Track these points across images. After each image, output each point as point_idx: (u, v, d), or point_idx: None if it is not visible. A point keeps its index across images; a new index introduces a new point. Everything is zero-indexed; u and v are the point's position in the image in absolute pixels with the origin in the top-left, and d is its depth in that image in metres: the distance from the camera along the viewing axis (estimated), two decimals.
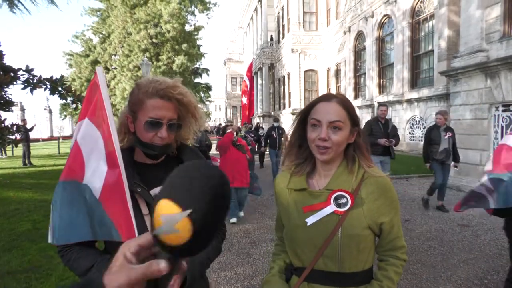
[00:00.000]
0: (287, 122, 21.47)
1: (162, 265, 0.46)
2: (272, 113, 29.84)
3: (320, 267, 1.07)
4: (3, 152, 16.79)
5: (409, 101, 13.18)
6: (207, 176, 0.47)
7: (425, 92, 12.33)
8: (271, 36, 30.05)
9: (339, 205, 1.05)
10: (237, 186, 5.05)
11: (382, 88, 15.72)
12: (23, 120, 13.42)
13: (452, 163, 5.66)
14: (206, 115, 22.42)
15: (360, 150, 1.13)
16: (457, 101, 7.62)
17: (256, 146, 9.79)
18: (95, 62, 18.88)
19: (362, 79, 17.63)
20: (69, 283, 2.99)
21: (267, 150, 9.47)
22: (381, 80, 15.77)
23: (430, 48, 12.47)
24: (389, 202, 1.08)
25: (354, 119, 1.10)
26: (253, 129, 13.28)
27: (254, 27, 34.81)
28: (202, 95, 25.62)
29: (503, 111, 6.65)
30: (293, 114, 22.30)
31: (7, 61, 3.54)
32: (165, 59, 17.73)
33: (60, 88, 3.69)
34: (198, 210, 0.44)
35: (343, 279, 1.07)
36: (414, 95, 12.97)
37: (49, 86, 3.66)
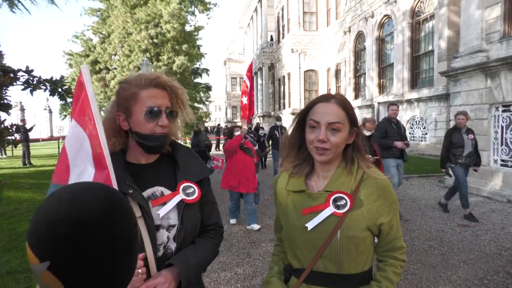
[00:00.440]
0: (287, 122, 21.46)
1: None
2: (272, 113, 29.83)
3: (319, 269, 1.07)
4: (3, 152, 16.78)
5: (409, 101, 13.17)
6: (51, 221, 0.38)
7: (425, 92, 12.33)
8: (271, 36, 30.06)
9: (338, 207, 1.04)
10: (243, 191, 4.85)
11: (382, 88, 15.72)
12: (23, 120, 13.43)
13: (473, 167, 5.29)
14: (206, 115, 22.37)
15: (359, 150, 1.12)
16: (457, 101, 7.61)
17: (257, 146, 9.75)
18: (95, 62, 18.87)
19: (362, 79, 17.63)
20: None
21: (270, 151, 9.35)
22: (381, 80, 15.77)
23: (430, 48, 12.47)
24: (389, 203, 1.07)
25: (353, 120, 1.09)
26: (253, 129, 13.25)
27: (254, 27, 34.82)
28: (202, 95, 25.57)
29: (503, 111, 6.65)
30: (293, 114, 22.28)
31: (7, 61, 3.55)
32: (165, 59, 17.71)
33: (60, 89, 3.69)
34: (57, 261, 0.36)
35: (342, 281, 1.06)
36: (414, 95, 12.97)
37: (49, 87, 3.67)
